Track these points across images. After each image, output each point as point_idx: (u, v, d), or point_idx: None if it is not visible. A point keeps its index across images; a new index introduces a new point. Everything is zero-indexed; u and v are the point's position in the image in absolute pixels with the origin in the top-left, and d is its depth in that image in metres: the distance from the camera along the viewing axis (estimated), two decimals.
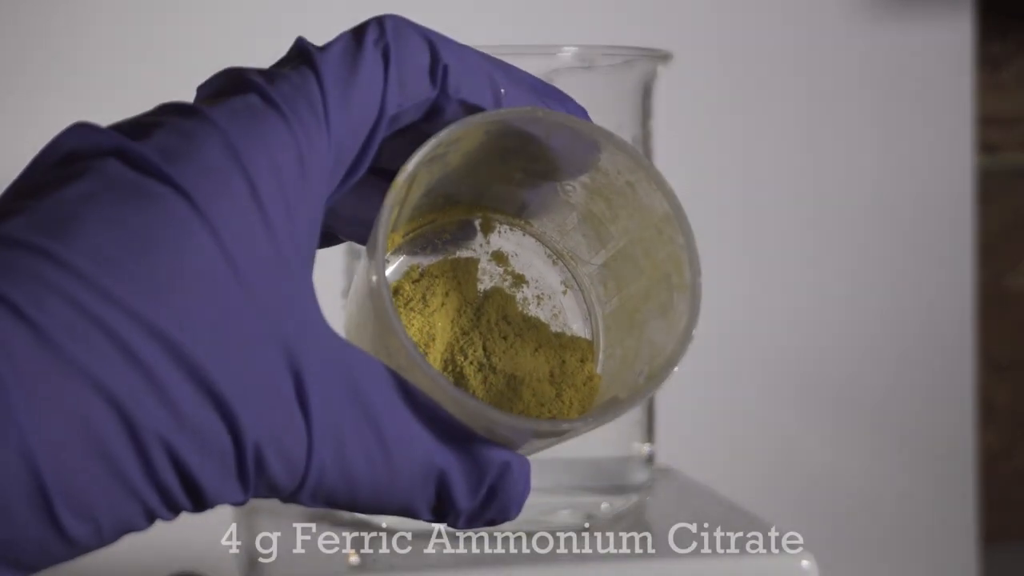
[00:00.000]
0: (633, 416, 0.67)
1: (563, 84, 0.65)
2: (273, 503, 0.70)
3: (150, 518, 0.34)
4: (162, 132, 0.34)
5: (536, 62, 0.65)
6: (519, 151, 0.40)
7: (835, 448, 1.01)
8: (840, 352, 1.00)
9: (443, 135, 0.37)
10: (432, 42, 0.38)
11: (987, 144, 1.04)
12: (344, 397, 0.35)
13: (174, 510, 0.34)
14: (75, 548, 0.33)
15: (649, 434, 0.68)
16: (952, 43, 1.00)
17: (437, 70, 0.37)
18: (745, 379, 0.99)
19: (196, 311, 0.33)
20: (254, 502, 0.70)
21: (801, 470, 1.00)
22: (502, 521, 0.39)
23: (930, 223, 1.01)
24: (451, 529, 0.39)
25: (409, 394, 0.36)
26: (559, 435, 0.38)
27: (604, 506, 0.65)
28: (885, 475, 1.01)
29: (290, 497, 0.36)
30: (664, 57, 0.67)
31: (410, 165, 0.37)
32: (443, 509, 0.38)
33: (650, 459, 0.68)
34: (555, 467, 0.66)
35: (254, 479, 0.35)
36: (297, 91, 0.35)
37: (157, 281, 0.33)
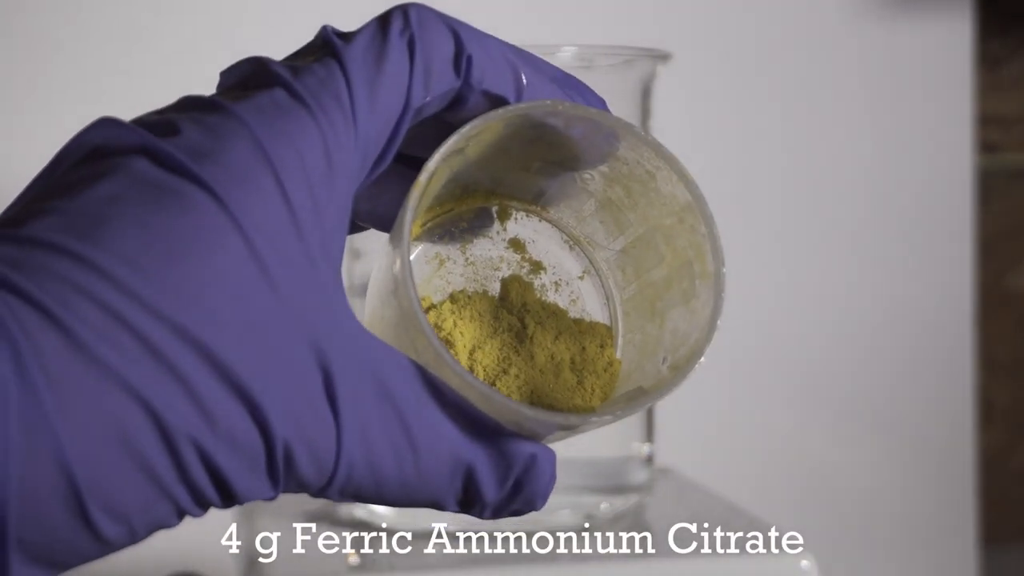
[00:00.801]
0: (633, 416, 0.67)
1: None
2: (274, 502, 0.70)
3: (180, 515, 0.34)
4: (189, 129, 0.34)
5: None
6: (538, 141, 0.40)
7: (835, 448, 1.01)
8: (840, 352, 1.00)
9: (465, 130, 0.37)
10: (456, 31, 0.37)
11: (987, 144, 1.04)
12: (372, 394, 0.35)
13: (204, 507, 0.34)
14: (107, 548, 0.34)
15: (649, 434, 0.68)
16: (952, 43, 1.00)
17: (461, 60, 0.37)
18: (745, 379, 0.99)
19: (225, 313, 0.33)
20: (255, 502, 0.70)
21: (801, 470, 1.00)
22: (528, 512, 0.39)
23: (930, 223, 1.01)
24: (461, 524, 0.39)
25: (436, 389, 0.36)
26: (586, 428, 0.38)
27: (604, 506, 0.65)
28: (885, 475, 1.01)
29: (318, 493, 0.36)
30: (664, 57, 0.67)
31: (431, 163, 0.37)
32: (470, 501, 0.38)
33: (650, 459, 0.68)
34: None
35: (284, 477, 0.35)
36: (323, 85, 0.35)
37: (187, 284, 0.33)
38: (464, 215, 0.42)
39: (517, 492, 0.38)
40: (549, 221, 0.43)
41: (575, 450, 0.66)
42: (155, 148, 0.34)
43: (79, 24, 0.89)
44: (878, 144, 1.00)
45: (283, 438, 0.34)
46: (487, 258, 0.42)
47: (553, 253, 0.43)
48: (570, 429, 0.39)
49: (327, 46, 0.36)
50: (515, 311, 0.41)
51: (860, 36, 0.99)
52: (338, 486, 0.36)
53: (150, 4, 0.90)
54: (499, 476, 0.37)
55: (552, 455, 0.39)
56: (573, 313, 0.42)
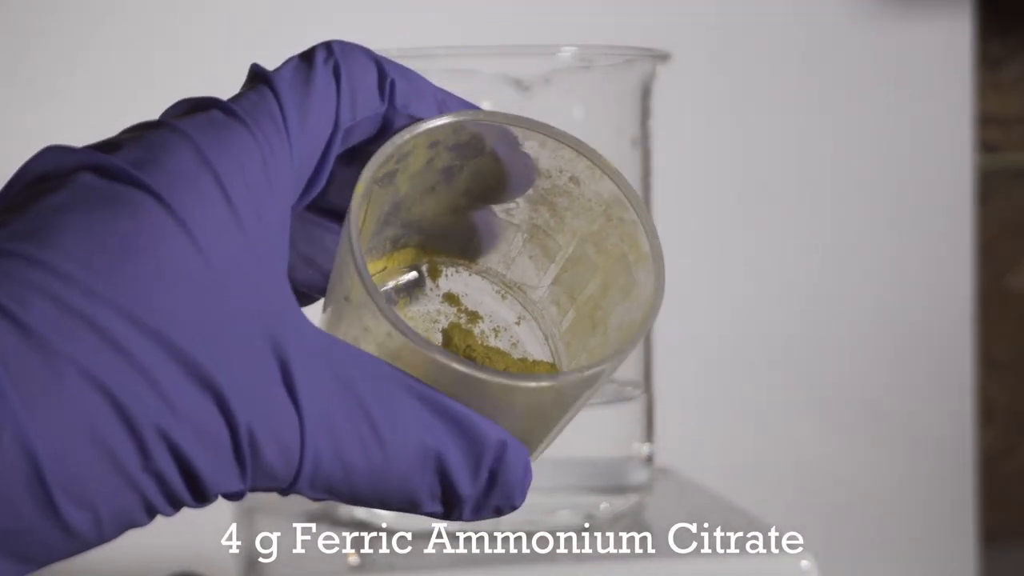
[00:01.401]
0: (633, 416, 0.67)
1: (563, 84, 0.66)
2: (273, 502, 0.70)
3: (149, 511, 0.35)
4: (132, 144, 0.36)
5: (536, 62, 0.65)
6: (462, 172, 0.41)
7: (835, 448, 1.01)
8: (840, 352, 1.01)
9: (396, 139, 0.38)
10: (378, 61, 0.39)
11: (987, 144, 1.04)
12: (331, 383, 0.36)
13: (173, 503, 0.35)
14: (76, 540, 0.34)
15: (649, 434, 0.68)
16: (952, 43, 1.00)
17: (385, 85, 0.39)
18: (745, 379, 0.99)
19: (179, 305, 0.34)
20: (254, 501, 0.70)
21: (801, 470, 1.00)
22: (508, 510, 0.39)
23: (930, 223, 1.01)
24: (457, 525, 0.39)
25: (396, 378, 0.37)
26: (547, 392, 0.38)
27: (604, 506, 0.65)
28: (885, 475, 1.02)
29: (290, 487, 0.36)
30: (663, 57, 0.67)
31: (368, 170, 0.38)
32: (447, 500, 0.38)
33: (650, 459, 0.68)
34: (555, 467, 0.66)
35: (251, 466, 0.35)
36: (256, 106, 0.37)
37: (139, 279, 0.34)
38: (396, 275, 0.43)
39: (493, 485, 0.38)
40: (478, 273, 0.43)
41: (575, 450, 0.66)
42: (99, 162, 0.35)
43: (72, 32, 0.89)
44: (878, 144, 1.00)
45: (247, 425, 0.35)
46: (425, 312, 0.43)
47: (487, 304, 0.43)
48: (529, 395, 0.38)
49: (257, 77, 0.38)
50: (462, 351, 0.41)
51: (860, 36, 0.99)
52: (307, 478, 0.36)
53: (148, 12, 0.90)
54: (471, 464, 0.37)
55: (523, 448, 0.38)
56: (516, 355, 0.42)
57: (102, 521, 0.34)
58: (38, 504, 0.33)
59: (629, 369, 0.68)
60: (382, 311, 0.36)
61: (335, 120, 0.38)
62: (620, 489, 0.66)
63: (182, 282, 0.34)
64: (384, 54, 0.62)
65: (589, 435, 0.67)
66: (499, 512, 0.39)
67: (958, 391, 1.02)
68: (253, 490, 0.36)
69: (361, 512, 0.67)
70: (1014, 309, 1.06)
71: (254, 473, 0.35)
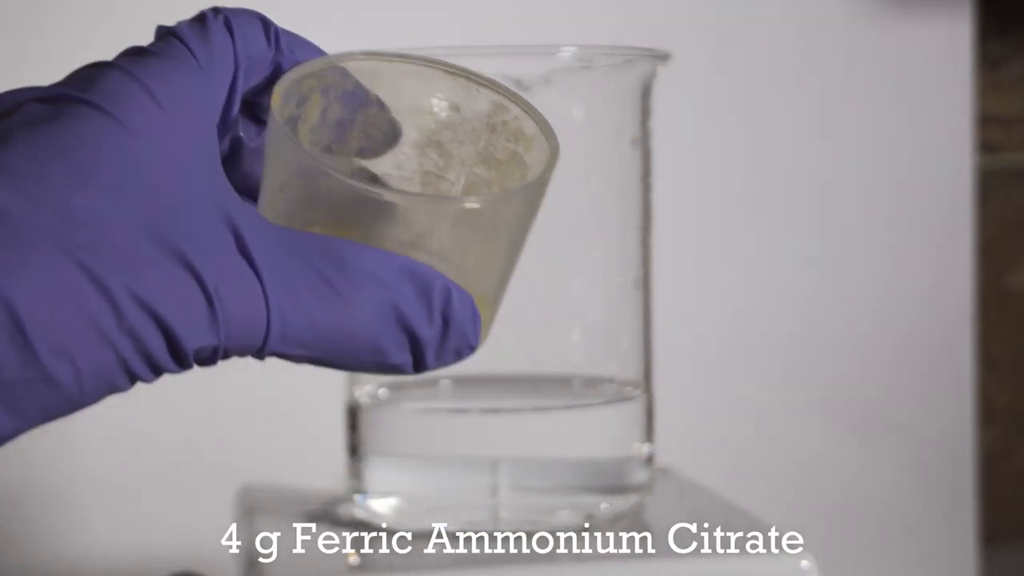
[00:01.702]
0: (633, 416, 0.67)
1: (563, 84, 0.66)
2: (273, 502, 0.70)
3: (128, 373, 0.38)
4: (69, 79, 0.41)
5: (536, 62, 0.65)
6: (353, 123, 0.43)
7: (835, 448, 1.01)
8: (840, 352, 1.01)
9: (291, 73, 0.42)
10: (261, 15, 0.44)
11: (987, 144, 1.04)
12: (281, 250, 0.40)
13: (151, 364, 0.38)
14: (58, 392, 0.37)
15: (649, 434, 0.68)
16: (952, 43, 1.00)
17: (270, 33, 0.43)
18: (745, 379, 0.99)
19: (129, 181, 0.38)
20: (254, 501, 0.70)
21: (801, 470, 1.00)
22: (467, 351, 0.43)
23: (930, 223, 1.01)
24: (426, 373, 0.42)
25: (338, 242, 0.41)
26: (471, 216, 0.41)
27: (604, 506, 0.65)
28: (885, 475, 1.02)
29: (264, 346, 0.40)
30: (663, 57, 0.67)
31: (279, 85, 0.42)
32: (412, 348, 0.41)
33: (650, 459, 0.68)
34: (555, 467, 0.66)
35: (223, 320, 0.39)
36: (167, 45, 0.42)
37: (88, 164, 0.38)
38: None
39: (447, 327, 0.42)
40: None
41: (575, 450, 0.67)
42: (43, 93, 0.40)
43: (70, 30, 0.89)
44: (878, 144, 1.00)
45: (213, 284, 0.38)
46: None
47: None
48: (460, 217, 0.41)
49: (162, 31, 0.43)
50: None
51: (860, 36, 0.99)
52: (277, 333, 0.40)
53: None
54: (424, 310, 0.41)
55: (468, 296, 0.42)
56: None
57: (82, 375, 0.37)
58: (20, 355, 0.36)
59: (629, 369, 0.68)
60: (314, 158, 0.40)
61: (235, 58, 0.42)
62: (620, 489, 0.66)
63: (131, 165, 0.39)
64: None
65: (589, 435, 0.67)
66: (459, 355, 0.43)
67: (958, 391, 1.02)
68: (228, 354, 0.40)
69: (361, 512, 0.67)
70: (1014, 309, 1.06)
71: (227, 329, 0.39)
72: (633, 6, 0.96)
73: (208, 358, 0.39)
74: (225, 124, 0.42)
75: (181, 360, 0.39)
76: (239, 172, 0.44)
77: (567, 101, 0.66)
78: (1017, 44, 1.04)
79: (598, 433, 0.67)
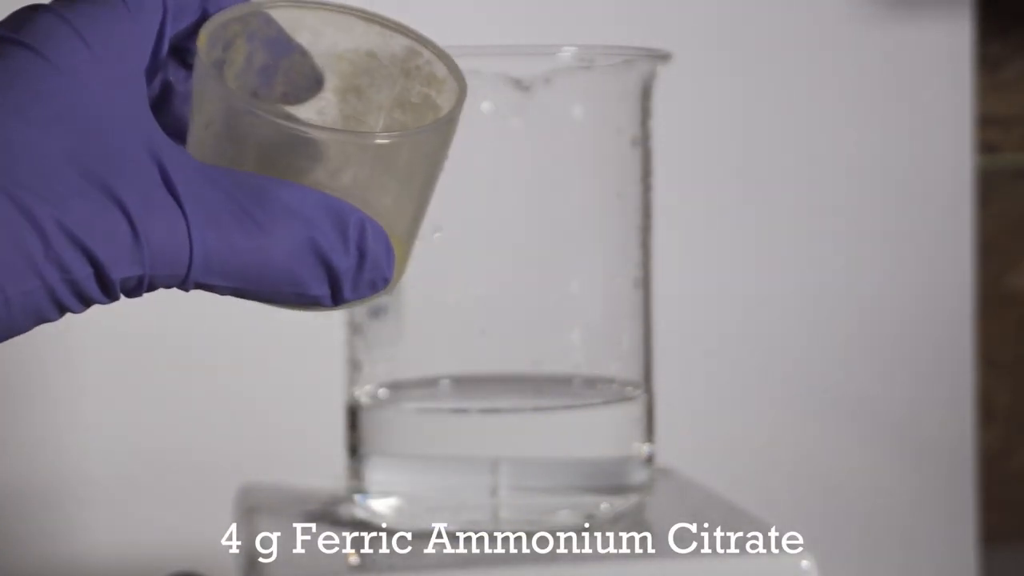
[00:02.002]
0: (633, 416, 0.67)
1: (563, 84, 0.66)
2: (274, 502, 0.70)
3: (57, 303, 0.40)
4: (5, 21, 0.42)
5: (536, 62, 0.65)
6: (277, 70, 0.45)
7: (835, 448, 1.01)
8: (839, 352, 1.01)
9: (224, 12, 0.44)
10: None
11: (987, 144, 1.04)
12: (204, 183, 0.41)
13: (79, 294, 0.40)
14: None
15: (649, 434, 0.68)
16: (952, 43, 1.00)
17: None
18: (745, 379, 0.99)
19: (56, 114, 0.40)
20: (254, 501, 0.70)
21: (801, 470, 1.00)
22: (382, 283, 0.44)
23: (930, 223, 1.01)
24: (343, 307, 0.44)
25: (259, 178, 0.42)
26: (387, 150, 0.43)
27: (604, 506, 0.65)
28: (885, 475, 1.02)
29: (188, 275, 0.41)
30: (664, 57, 0.67)
31: (205, 27, 0.43)
32: (329, 279, 0.43)
33: (650, 459, 0.68)
34: (555, 467, 0.66)
35: (147, 251, 0.40)
36: None
37: (18, 98, 0.40)
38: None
39: (363, 259, 0.43)
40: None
41: (575, 450, 0.67)
42: None
43: None
44: (878, 144, 1.00)
45: (138, 216, 0.40)
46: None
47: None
48: (376, 152, 0.43)
49: None
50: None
51: (860, 37, 0.99)
52: (200, 261, 0.41)
53: None
54: (340, 241, 0.43)
55: (382, 229, 0.44)
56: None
57: (11, 302, 0.39)
58: None
59: (629, 369, 0.68)
60: (237, 96, 0.42)
61: (163, 2, 0.43)
62: (620, 489, 0.66)
63: (60, 101, 0.40)
64: None
65: (589, 435, 0.67)
66: (375, 287, 0.44)
67: (958, 391, 1.02)
68: (153, 285, 0.41)
69: (361, 512, 0.67)
70: (1014, 309, 1.06)
71: (151, 259, 0.40)
72: (633, 6, 0.96)
73: (134, 288, 0.41)
74: (155, 66, 0.44)
75: (108, 290, 0.40)
76: (170, 115, 0.45)
77: (567, 101, 0.66)
78: (1017, 45, 1.04)
79: (598, 433, 0.67)
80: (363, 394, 0.67)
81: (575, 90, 0.66)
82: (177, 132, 0.45)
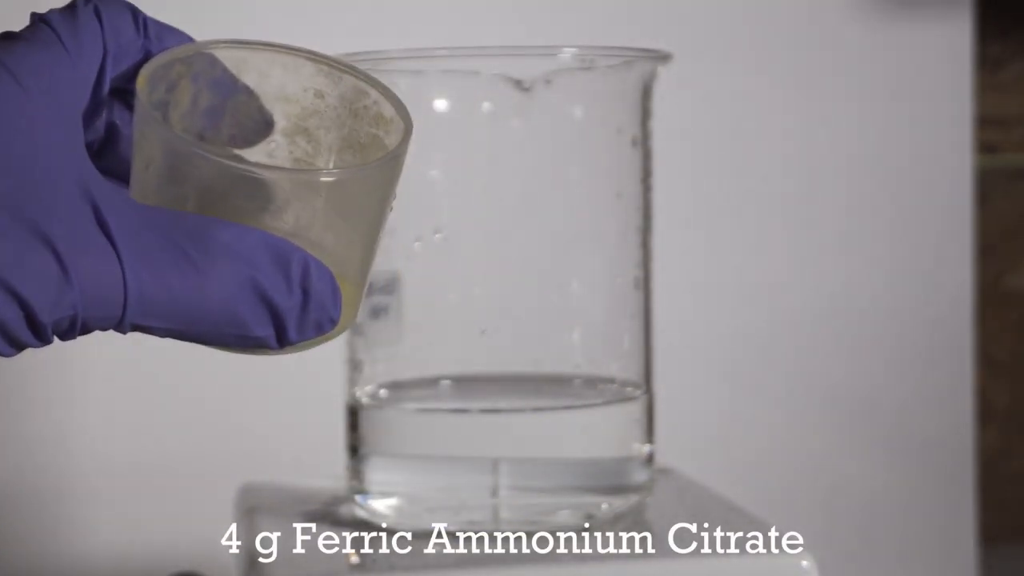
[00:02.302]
0: (633, 416, 0.67)
1: (564, 84, 0.66)
2: (274, 502, 0.70)
3: None
4: None
5: (536, 62, 0.65)
6: (224, 111, 0.45)
7: (835, 448, 1.01)
8: (839, 352, 1.01)
9: (158, 57, 0.43)
10: (130, 4, 0.45)
11: (987, 144, 1.04)
12: (139, 223, 0.41)
13: (8, 337, 0.39)
14: None
15: (649, 434, 0.68)
16: (952, 43, 1.00)
17: (139, 21, 0.44)
18: (744, 379, 0.99)
19: None
20: (254, 501, 0.70)
21: (801, 470, 1.00)
22: (329, 325, 0.43)
23: (930, 223, 1.01)
24: (289, 349, 0.44)
25: (197, 218, 0.42)
26: (327, 189, 0.42)
27: (604, 506, 0.65)
28: (885, 475, 1.02)
29: (123, 317, 0.40)
30: (664, 57, 0.67)
31: (145, 68, 0.43)
32: (272, 320, 0.42)
33: (650, 459, 0.68)
34: (555, 467, 0.66)
35: (78, 291, 0.39)
36: (35, 31, 0.43)
37: None
38: None
39: (307, 299, 0.42)
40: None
41: (575, 450, 0.67)
42: None
43: None
44: (879, 145, 1.00)
45: (68, 257, 0.39)
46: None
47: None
48: (318, 190, 0.42)
49: (33, 19, 0.43)
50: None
51: (860, 37, 0.99)
52: (135, 304, 0.40)
53: None
54: (283, 279, 0.42)
55: (326, 269, 0.43)
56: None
57: None
58: None
59: (629, 369, 0.68)
60: (177, 135, 0.41)
61: (103, 45, 0.43)
62: (620, 489, 0.66)
63: None
64: (385, 54, 0.63)
65: (589, 435, 0.67)
66: (320, 328, 0.43)
67: (958, 391, 1.02)
68: (87, 328, 0.40)
69: (361, 512, 0.67)
70: (1014, 309, 1.06)
71: (83, 301, 0.40)
72: (633, 6, 0.96)
73: (67, 331, 0.40)
74: (96, 107, 0.43)
75: (39, 333, 0.40)
76: (115, 157, 0.45)
77: (567, 101, 0.66)
78: (1017, 45, 1.04)
79: (598, 433, 0.67)
80: (363, 394, 0.67)
81: (575, 91, 0.66)
82: (123, 174, 0.44)
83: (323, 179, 0.42)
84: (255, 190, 0.41)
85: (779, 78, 0.99)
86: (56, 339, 0.40)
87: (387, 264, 0.65)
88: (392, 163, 0.43)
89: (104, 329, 0.41)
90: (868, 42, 0.99)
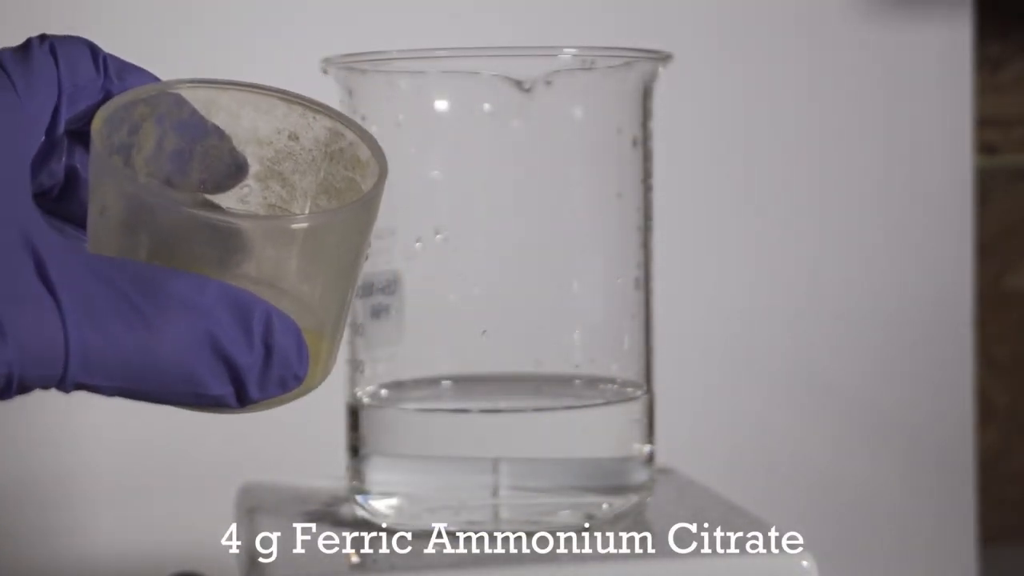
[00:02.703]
0: (633, 416, 0.67)
1: (564, 85, 0.66)
2: (274, 502, 0.70)
3: None
4: None
5: (537, 63, 0.65)
6: (193, 155, 0.42)
7: (835, 448, 1.01)
8: (839, 352, 1.01)
9: (118, 98, 0.41)
10: (90, 42, 0.43)
11: (987, 145, 1.04)
12: (87, 275, 0.38)
13: None
14: None
15: (649, 434, 0.68)
16: (952, 43, 1.00)
17: (99, 60, 0.42)
18: (745, 379, 0.99)
19: None
20: (254, 501, 0.70)
21: (801, 470, 1.00)
22: (294, 381, 0.40)
23: (930, 223, 1.01)
24: (251, 408, 0.41)
25: (150, 268, 0.39)
26: (291, 236, 0.40)
27: (604, 506, 0.65)
28: (885, 475, 1.02)
29: (65, 375, 0.38)
30: (664, 58, 0.67)
31: (102, 110, 0.40)
32: (231, 377, 0.39)
33: (650, 459, 0.68)
34: (555, 467, 0.66)
35: (14, 347, 0.37)
36: None
37: None
38: None
39: (269, 354, 0.39)
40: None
41: (575, 450, 0.67)
42: None
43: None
44: (878, 145, 1.00)
45: (3, 308, 0.37)
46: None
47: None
48: (285, 237, 0.40)
49: None
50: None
51: (860, 38, 0.99)
52: (78, 363, 0.38)
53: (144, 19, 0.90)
54: (243, 334, 0.39)
55: (291, 321, 0.40)
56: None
57: None
58: None
59: (630, 369, 0.68)
60: (133, 180, 0.39)
61: (58, 85, 0.41)
62: (620, 489, 0.66)
63: None
64: (385, 55, 0.63)
65: (589, 435, 0.67)
66: (284, 385, 0.40)
67: (958, 391, 1.02)
68: (25, 386, 0.37)
69: (361, 512, 0.67)
70: (1014, 309, 1.06)
71: (19, 357, 0.37)
72: (633, 6, 0.96)
73: (3, 389, 0.38)
74: (48, 151, 0.41)
75: None
76: (76, 202, 0.43)
77: (567, 102, 0.66)
78: (1016, 46, 1.04)
79: (598, 433, 0.67)
80: (364, 394, 0.67)
81: (575, 91, 0.66)
82: (84, 219, 0.42)
83: (295, 226, 0.39)
84: (222, 239, 0.39)
85: (779, 78, 0.99)
86: None
87: (387, 264, 0.65)
88: (366, 207, 0.40)
89: (45, 388, 0.38)
90: (868, 42, 0.99)
